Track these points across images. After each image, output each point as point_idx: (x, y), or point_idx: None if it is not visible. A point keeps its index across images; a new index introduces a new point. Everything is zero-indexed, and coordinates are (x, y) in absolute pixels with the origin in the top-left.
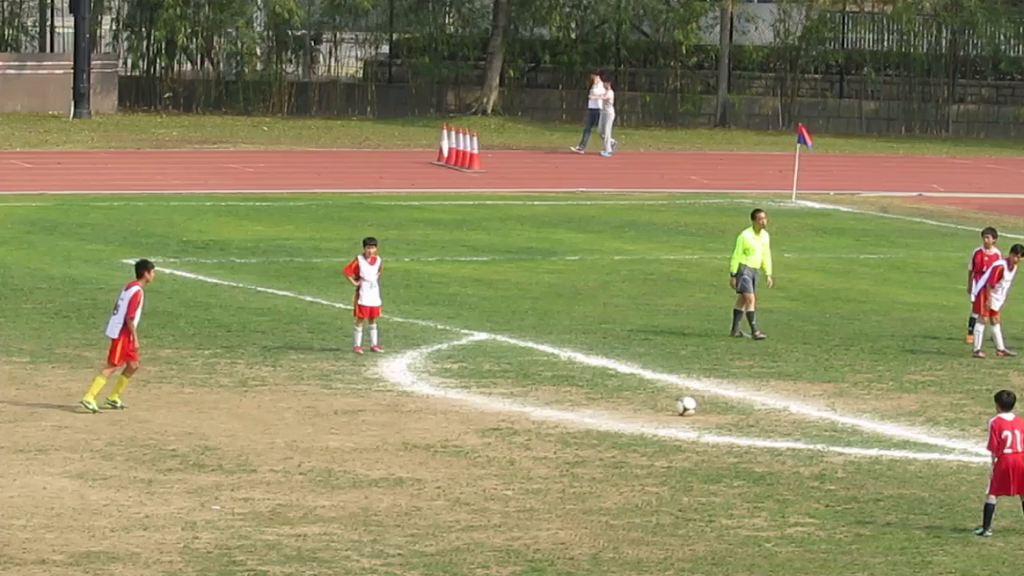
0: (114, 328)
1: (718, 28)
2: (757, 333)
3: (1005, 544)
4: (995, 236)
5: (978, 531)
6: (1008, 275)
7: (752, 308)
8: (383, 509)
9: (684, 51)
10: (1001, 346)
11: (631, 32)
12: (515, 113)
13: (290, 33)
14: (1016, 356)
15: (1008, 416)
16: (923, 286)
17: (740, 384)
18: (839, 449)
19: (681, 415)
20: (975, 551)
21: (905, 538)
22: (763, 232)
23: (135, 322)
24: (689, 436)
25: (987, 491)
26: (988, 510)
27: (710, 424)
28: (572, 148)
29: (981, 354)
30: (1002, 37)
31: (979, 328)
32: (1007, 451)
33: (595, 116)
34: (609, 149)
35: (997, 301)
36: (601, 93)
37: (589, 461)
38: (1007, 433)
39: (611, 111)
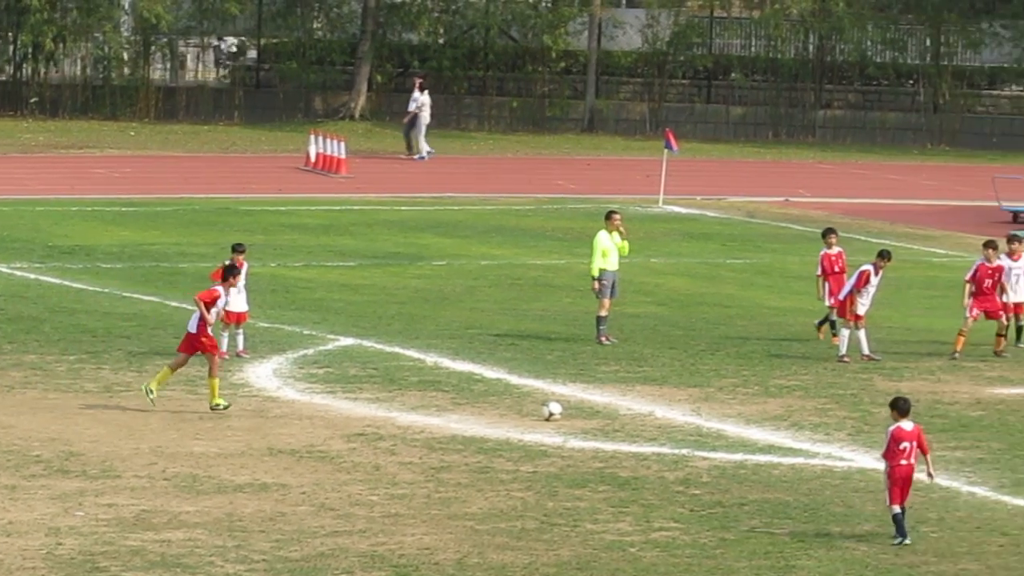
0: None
1: (586, 33)
2: (604, 338)
3: (868, 548)
4: (836, 235)
5: (896, 541)
6: (874, 280)
7: (604, 313)
8: (248, 514)
9: (552, 56)
10: (866, 351)
11: (499, 37)
12: (383, 118)
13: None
14: (881, 360)
15: (907, 425)
16: (789, 291)
17: (606, 389)
18: (704, 454)
19: (547, 420)
20: (839, 555)
21: (769, 543)
22: (615, 234)
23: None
24: (555, 441)
25: (888, 502)
26: (896, 519)
27: (576, 429)
28: (413, 156)
29: (846, 359)
30: (868, 43)
31: (844, 333)
32: (902, 463)
33: (414, 121)
34: (424, 154)
35: (863, 306)
36: (419, 98)
37: (455, 466)
38: (905, 444)
39: (426, 116)
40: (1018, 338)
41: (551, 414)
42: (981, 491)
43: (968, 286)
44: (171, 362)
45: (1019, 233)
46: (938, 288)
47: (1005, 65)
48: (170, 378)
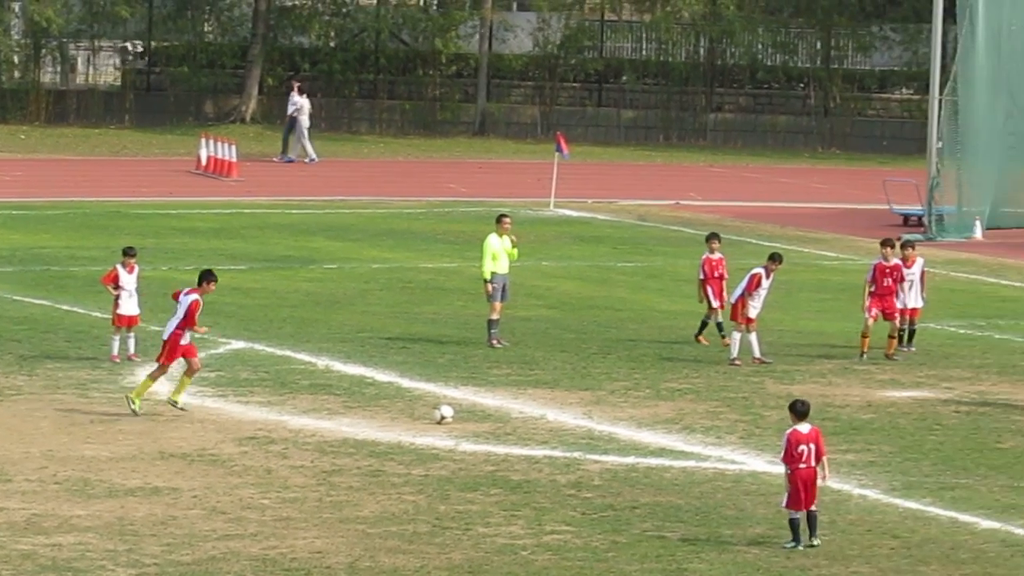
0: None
1: (477, 36)
2: (495, 341)
3: (760, 551)
4: (719, 241)
5: (789, 545)
6: (765, 283)
7: (496, 316)
8: (139, 518)
9: (443, 59)
10: (757, 353)
11: (390, 40)
12: (273, 121)
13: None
14: (772, 364)
15: (804, 428)
16: (680, 294)
17: (498, 392)
18: (596, 457)
19: (439, 423)
20: (730, 558)
21: (661, 546)
22: (506, 237)
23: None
24: (446, 444)
25: (783, 505)
26: (792, 524)
27: (467, 432)
28: (274, 159)
29: (737, 362)
30: (759, 46)
31: (736, 336)
32: (801, 466)
33: (293, 124)
34: (313, 157)
35: (754, 309)
36: (298, 102)
37: (346, 470)
38: (803, 448)
39: (305, 120)
40: (909, 340)
41: (443, 417)
42: (872, 494)
43: (867, 287)
44: (151, 372)
45: (912, 238)
46: (829, 291)
47: (895, 68)
48: (151, 387)
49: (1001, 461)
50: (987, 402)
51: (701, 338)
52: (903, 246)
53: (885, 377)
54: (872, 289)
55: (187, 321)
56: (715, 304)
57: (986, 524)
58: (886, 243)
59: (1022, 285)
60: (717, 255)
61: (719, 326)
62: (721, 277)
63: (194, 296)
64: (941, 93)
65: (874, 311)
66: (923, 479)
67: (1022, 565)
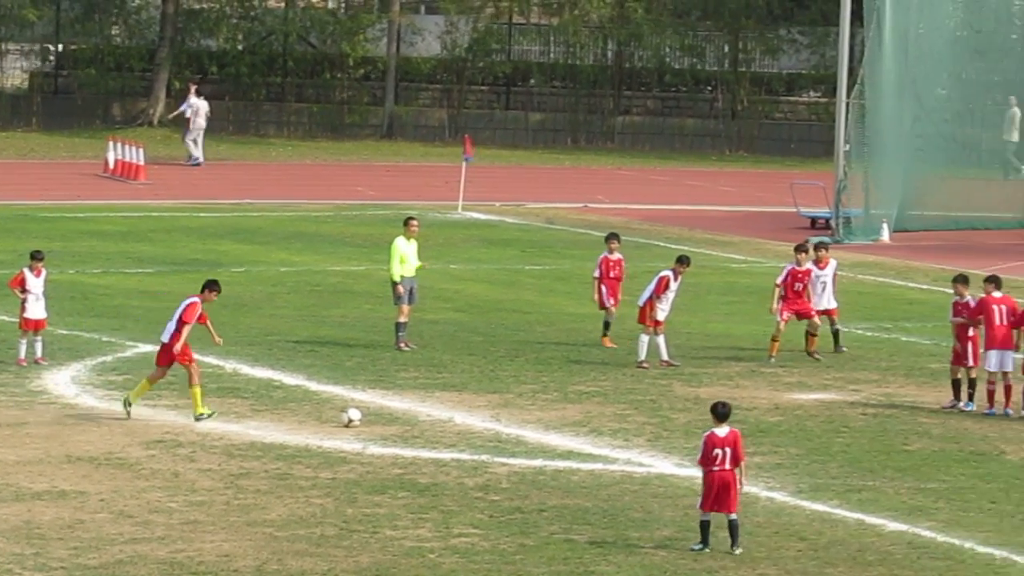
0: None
1: (385, 39)
2: (403, 344)
3: (667, 554)
4: (619, 242)
5: (696, 547)
6: (673, 286)
7: (403, 319)
8: (46, 522)
9: (351, 63)
10: (665, 356)
11: (298, 43)
12: (182, 125)
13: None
14: (680, 366)
15: (721, 431)
16: (588, 297)
17: (405, 395)
18: (503, 460)
19: (346, 426)
20: (638, 560)
21: (568, 548)
22: (413, 240)
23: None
24: (354, 447)
25: (699, 506)
26: (703, 526)
27: (375, 435)
28: (181, 162)
29: (645, 364)
30: (667, 49)
31: (643, 338)
32: (715, 468)
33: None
34: (199, 157)
35: (662, 312)
36: (194, 103)
37: (254, 473)
38: (718, 451)
39: (202, 121)
40: (836, 342)
41: (350, 420)
42: (779, 496)
43: (777, 290)
44: (149, 375)
45: (827, 240)
46: (737, 294)
47: (803, 71)
48: (148, 391)
49: (908, 463)
50: (894, 404)
51: (606, 340)
52: (816, 247)
53: (792, 379)
54: (783, 293)
55: (182, 323)
56: (608, 304)
57: (893, 526)
58: (800, 248)
59: (929, 288)
60: (616, 255)
61: (606, 325)
62: (616, 278)
63: (193, 299)
64: (848, 96)
65: (786, 314)
66: (830, 481)
67: (928, 567)
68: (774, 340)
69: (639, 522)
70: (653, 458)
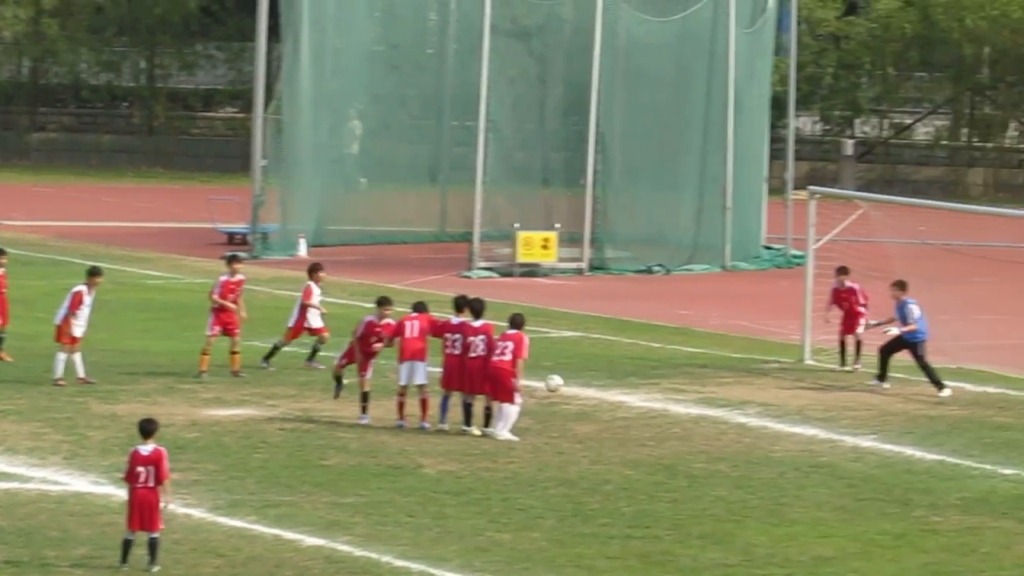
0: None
1: None
2: None
3: (84, 572)
4: (5, 255)
5: (121, 565)
6: (88, 300)
7: None
8: None
9: None
10: (81, 374)
11: None
12: None
13: None
14: (96, 383)
15: (145, 449)
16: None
17: None
18: None
19: (552, 392)
20: None
21: None
22: None
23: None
24: None
25: (126, 524)
26: (125, 544)
27: None
28: None
29: (61, 382)
30: (84, 65)
31: (60, 356)
32: (139, 486)
33: None
34: None
35: (79, 328)
36: None
37: None
38: (141, 469)
39: None
40: (311, 357)
41: (557, 386)
42: (197, 513)
43: (212, 303)
44: None
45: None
46: (154, 310)
47: (220, 87)
48: None
49: (325, 478)
50: (312, 419)
51: (2, 354)
52: (228, 261)
53: (210, 396)
54: (217, 306)
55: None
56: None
57: (311, 541)
58: (232, 259)
59: (344, 302)
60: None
61: None
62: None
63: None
64: (266, 111)
65: (216, 328)
66: (248, 497)
67: None
68: (204, 355)
69: (56, 541)
70: (70, 476)
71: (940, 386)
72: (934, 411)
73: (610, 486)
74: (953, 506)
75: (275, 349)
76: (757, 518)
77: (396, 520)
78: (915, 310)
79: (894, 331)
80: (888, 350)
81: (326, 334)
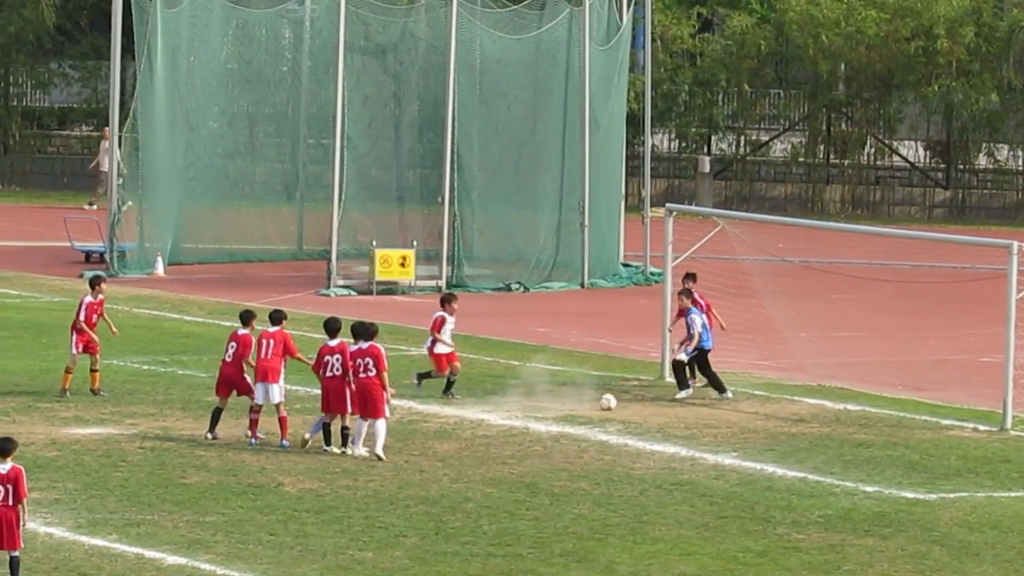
0: None
1: None
2: None
3: None
4: (105, 284)
5: None
6: None
7: None
8: None
9: None
10: None
11: None
12: None
13: None
14: None
15: (3, 468)
16: None
17: None
18: None
19: (606, 410)
20: None
21: None
22: None
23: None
24: None
25: None
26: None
27: None
28: None
29: None
30: None
31: None
32: None
33: None
34: None
35: None
36: None
37: None
38: None
39: None
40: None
41: (608, 406)
42: (58, 532)
43: (76, 322)
44: None
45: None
46: (11, 329)
47: (74, 105)
48: None
49: (186, 496)
50: (172, 438)
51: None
52: (92, 282)
53: (69, 414)
54: (81, 324)
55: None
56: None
57: (172, 560)
58: (96, 281)
59: (203, 320)
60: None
61: None
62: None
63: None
64: (121, 130)
65: (80, 347)
66: (109, 516)
67: None
68: (67, 373)
69: None
70: None
71: (721, 390)
72: (795, 428)
73: (471, 504)
74: (815, 523)
75: (429, 377)
76: (619, 536)
77: (257, 538)
78: (697, 320)
79: (682, 356)
80: (702, 366)
81: (457, 363)
